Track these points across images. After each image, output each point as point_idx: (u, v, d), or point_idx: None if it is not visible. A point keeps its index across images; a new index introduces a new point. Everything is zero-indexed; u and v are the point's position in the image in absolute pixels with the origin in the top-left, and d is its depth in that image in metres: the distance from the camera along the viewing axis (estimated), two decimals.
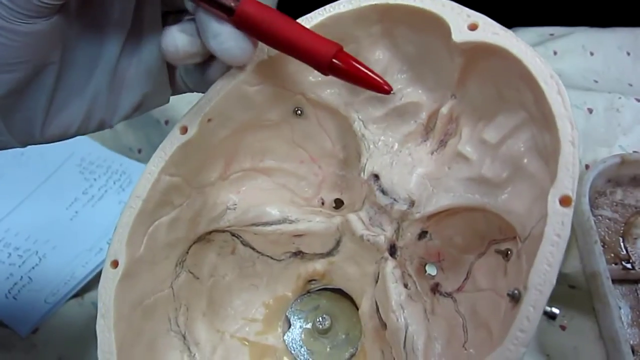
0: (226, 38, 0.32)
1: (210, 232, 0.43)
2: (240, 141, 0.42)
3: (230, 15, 0.32)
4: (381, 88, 0.33)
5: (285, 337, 0.44)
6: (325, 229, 0.42)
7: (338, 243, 0.43)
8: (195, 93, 0.39)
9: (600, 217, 0.59)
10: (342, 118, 0.42)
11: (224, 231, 0.44)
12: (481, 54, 0.35)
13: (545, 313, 0.29)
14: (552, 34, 0.73)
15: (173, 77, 0.38)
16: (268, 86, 0.39)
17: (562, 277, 0.53)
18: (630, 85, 0.68)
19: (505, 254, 0.35)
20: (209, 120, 0.38)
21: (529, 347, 0.50)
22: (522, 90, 0.34)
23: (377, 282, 0.41)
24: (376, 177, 0.40)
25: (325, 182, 0.45)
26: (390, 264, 0.40)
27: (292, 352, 0.43)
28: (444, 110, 0.39)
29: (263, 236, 0.43)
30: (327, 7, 0.38)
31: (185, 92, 0.40)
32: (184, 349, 0.40)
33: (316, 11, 0.38)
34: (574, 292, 0.54)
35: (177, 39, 0.33)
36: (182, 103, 0.65)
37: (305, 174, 0.45)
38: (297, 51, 0.33)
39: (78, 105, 0.34)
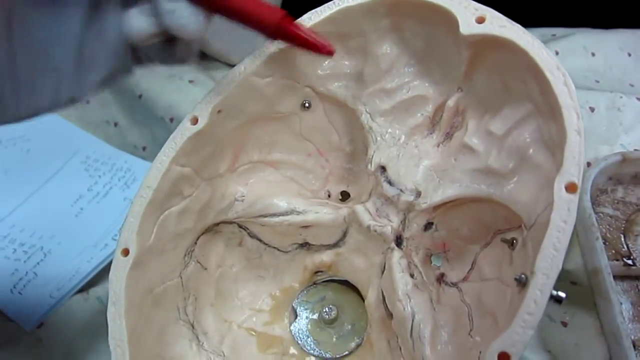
0: (180, 14, 0.33)
1: (218, 224, 0.44)
2: (248, 133, 0.42)
3: None
4: (324, 49, 0.36)
5: (291, 328, 0.44)
6: (332, 220, 0.43)
7: (345, 234, 0.43)
8: (201, 89, 0.39)
9: (601, 215, 0.59)
10: (350, 111, 0.42)
11: (231, 222, 0.44)
12: (488, 47, 0.36)
13: (552, 297, 0.29)
14: (554, 35, 0.74)
15: (137, 53, 0.39)
16: (277, 79, 0.40)
17: (563, 274, 0.54)
18: (632, 85, 0.69)
19: (511, 243, 0.36)
20: (219, 111, 0.38)
21: (530, 344, 0.51)
22: (528, 82, 0.35)
23: (383, 272, 0.42)
24: (383, 168, 0.41)
25: (332, 174, 0.46)
26: (396, 254, 0.40)
27: (299, 342, 0.43)
28: (450, 103, 0.40)
29: (270, 227, 0.43)
30: (336, 0, 0.39)
31: (151, 66, 0.40)
32: (192, 337, 0.41)
33: (325, 5, 0.39)
34: (575, 289, 0.55)
35: (137, 21, 0.34)
36: (188, 101, 0.67)
37: (312, 166, 0.46)
38: (247, 19, 0.34)
39: (46, 84, 0.34)
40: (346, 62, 0.42)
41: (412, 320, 0.38)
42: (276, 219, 0.43)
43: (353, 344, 0.43)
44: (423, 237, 0.41)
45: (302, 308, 0.45)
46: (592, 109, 0.62)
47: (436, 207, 0.40)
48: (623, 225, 0.59)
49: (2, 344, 0.55)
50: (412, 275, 0.40)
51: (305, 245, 0.45)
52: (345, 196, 0.46)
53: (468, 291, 0.39)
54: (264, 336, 0.44)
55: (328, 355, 0.43)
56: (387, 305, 0.41)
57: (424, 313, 0.38)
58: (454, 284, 0.40)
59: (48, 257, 0.62)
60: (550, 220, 0.29)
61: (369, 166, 0.41)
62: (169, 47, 0.36)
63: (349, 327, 0.44)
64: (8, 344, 0.55)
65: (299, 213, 0.43)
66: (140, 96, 0.67)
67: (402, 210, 0.41)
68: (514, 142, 0.36)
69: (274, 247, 0.45)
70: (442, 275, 0.40)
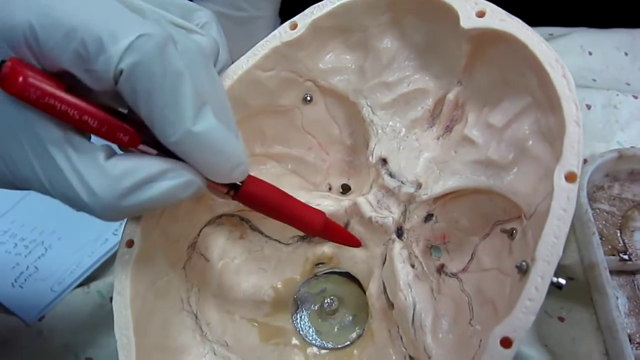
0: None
1: (220, 216, 0.44)
2: (251, 127, 0.43)
3: (235, 192, 0.35)
4: (357, 244, 0.42)
5: (293, 319, 0.45)
6: (334, 212, 0.43)
7: (346, 226, 0.44)
8: None
9: (598, 211, 0.60)
10: (351, 104, 0.43)
11: (233, 215, 0.45)
12: (488, 40, 0.36)
13: (552, 284, 0.30)
14: (551, 34, 0.74)
15: None
16: (280, 71, 0.41)
17: (560, 269, 0.54)
18: (628, 84, 0.70)
19: (510, 233, 0.36)
20: None
21: (527, 339, 0.51)
22: (527, 75, 0.35)
23: (384, 263, 0.42)
24: (384, 161, 0.42)
25: (332, 168, 0.46)
26: (397, 245, 0.41)
27: (301, 332, 0.44)
28: (450, 96, 0.40)
29: (272, 220, 0.44)
30: None
31: None
32: (195, 327, 0.41)
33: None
34: (572, 284, 0.55)
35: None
36: None
37: (313, 160, 0.46)
38: (295, 222, 0.38)
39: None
40: (347, 57, 0.43)
41: (414, 310, 0.38)
42: None
43: (354, 335, 0.44)
44: (423, 229, 0.42)
45: (303, 300, 0.45)
46: (588, 107, 0.63)
47: (436, 199, 0.41)
48: (619, 221, 0.60)
49: (4, 337, 0.55)
50: (412, 266, 0.40)
51: (306, 238, 0.46)
52: (346, 189, 0.46)
53: (468, 281, 0.39)
54: (265, 327, 0.44)
55: (329, 345, 0.43)
56: (388, 296, 0.42)
57: (425, 302, 0.38)
58: (454, 275, 0.40)
59: (49, 251, 0.62)
60: (550, 209, 0.30)
61: (370, 158, 0.42)
62: None
63: (350, 317, 0.44)
64: (9, 337, 0.56)
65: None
66: None
67: (402, 201, 0.41)
68: (513, 134, 0.36)
69: (276, 240, 0.46)
70: (442, 266, 0.41)
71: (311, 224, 0.38)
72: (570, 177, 0.30)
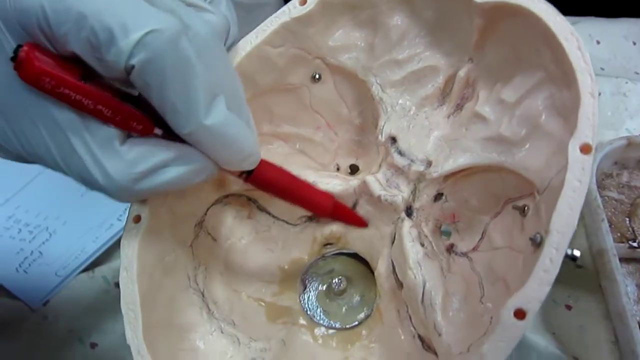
0: None
1: (227, 196, 0.44)
2: (259, 105, 0.43)
3: (248, 176, 0.36)
4: (364, 224, 0.44)
5: (300, 299, 0.44)
6: (342, 191, 0.43)
7: (354, 206, 0.43)
8: None
9: (606, 198, 0.59)
10: (360, 82, 0.42)
11: (240, 195, 0.44)
12: (501, 14, 0.36)
13: (567, 256, 0.29)
14: None
15: None
16: (289, 48, 0.40)
17: (567, 257, 0.54)
18: (637, 73, 0.69)
19: (522, 210, 0.36)
20: None
21: (534, 327, 0.51)
22: (541, 49, 0.35)
23: (393, 242, 0.42)
24: (393, 139, 0.41)
25: (341, 148, 0.46)
26: (407, 224, 0.40)
27: (308, 312, 0.43)
28: (461, 73, 0.40)
29: (280, 200, 0.43)
30: None
31: None
32: (202, 305, 0.41)
33: None
34: (580, 272, 0.55)
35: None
36: None
37: (321, 140, 0.46)
38: (305, 204, 0.40)
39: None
40: (357, 34, 0.42)
41: (423, 288, 0.38)
42: None
43: (362, 315, 0.43)
44: (433, 208, 0.41)
45: (311, 280, 0.45)
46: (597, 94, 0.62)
47: (446, 178, 0.40)
48: (628, 209, 0.60)
49: (8, 322, 0.55)
50: (422, 245, 0.40)
51: (314, 219, 0.45)
52: (354, 169, 0.46)
53: (478, 260, 0.39)
54: (273, 306, 0.44)
55: (337, 326, 0.43)
56: (397, 275, 0.41)
57: (435, 280, 0.38)
58: (464, 254, 0.40)
59: (53, 236, 0.62)
60: (565, 181, 0.30)
61: (380, 137, 0.41)
62: None
63: (358, 298, 0.44)
64: (14, 322, 0.55)
65: (305, 181, 0.43)
66: None
67: (412, 180, 0.41)
68: (525, 110, 0.36)
69: (283, 220, 0.45)
70: (452, 245, 0.41)
71: (321, 205, 0.40)
72: (585, 149, 0.30)
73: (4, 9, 0.27)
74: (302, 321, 0.43)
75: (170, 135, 0.31)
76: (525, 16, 0.34)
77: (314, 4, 0.40)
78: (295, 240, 0.45)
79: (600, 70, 0.69)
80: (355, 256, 0.46)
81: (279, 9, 0.61)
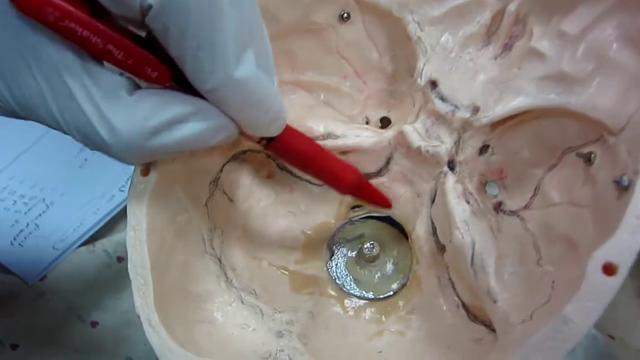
0: None
1: (244, 152, 0.39)
2: (281, 48, 0.38)
3: (268, 142, 0.32)
4: (388, 204, 0.39)
5: (328, 266, 0.40)
6: (375, 144, 0.38)
7: (388, 161, 0.39)
8: None
9: None
10: (395, 21, 0.38)
11: (259, 151, 0.40)
12: None
13: None
14: None
15: None
16: None
17: None
18: None
19: (588, 158, 0.31)
20: None
21: None
22: None
23: (433, 201, 0.37)
24: (434, 84, 0.36)
25: (370, 99, 0.41)
26: (451, 178, 0.36)
27: (337, 281, 0.39)
28: (511, 7, 0.35)
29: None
30: None
31: None
32: (220, 273, 0.36)
33: None
34: None
35: None
36: None
37: (348, 90, 0.41)
38: (325, 176, 0.35)
39: None
40: None
41: (473, 249, 0.33)
42: None
43: (396, 284, 0.39)
44: (477, 162, 0.37)
45: (338, 246, 0.41)
46: None
47: (493, 127, 0.36)
48: None
49: (3, 298, 0.52)
50: (467, 202, 0.35)
51: None
52: (385, 123, 0.41)
53: (531, 219, 0.34)
54: (297, 275, 0.39)
55: (370, 296, 0.39)
56: (438, 238, 0.37)
57: (485, 241, 0.34)
58: (514, 212, 0.35)
59: (50, 208, 0.59)
60: None
61: (419, 80, 0.37)
62: None
63: (392, 266, 0.40)
64: (9, 298, 0.53)
65: (337, 137, 0.38)
66: None
67: (456, 129, 0.36)
68: (592, 42, 0.31)
69: (306, 180, 0.41)
70: (500, 203, 0.36)
71: (345, 179, 0.35)
72: None
73: None
74: (330, 291, 0.39)
75: (188, 91, 0.27)
76: None
77: None
78: (320, 202, 0.41)
79: None
80: (386, 219, 0.41)
81: None
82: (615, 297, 0.49)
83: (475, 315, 0.35)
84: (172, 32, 0.24)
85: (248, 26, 0.27)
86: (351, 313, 0.38)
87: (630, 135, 0.27)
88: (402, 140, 0.37)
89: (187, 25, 0.24)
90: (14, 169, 0.62)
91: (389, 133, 0.38)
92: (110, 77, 0.26)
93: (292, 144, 0.32)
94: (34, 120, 0.27)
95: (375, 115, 0.41)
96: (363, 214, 0.41)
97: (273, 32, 0.35)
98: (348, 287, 0.39)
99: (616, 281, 0.24)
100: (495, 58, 0.37)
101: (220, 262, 0.37)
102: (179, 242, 0.34)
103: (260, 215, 0.40)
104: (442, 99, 0.36)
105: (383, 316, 0.38)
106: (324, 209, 0.41)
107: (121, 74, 0.26)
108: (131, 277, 0.30)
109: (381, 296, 0.39)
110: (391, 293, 0.39)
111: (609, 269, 0.24)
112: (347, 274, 0.39)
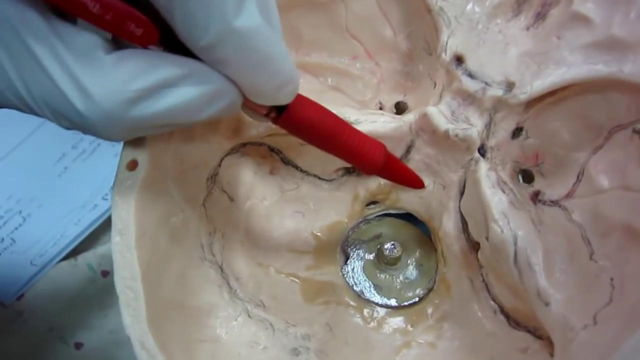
0: None
1: (244, 145, 0.35)
2: (284, 24, 0.33)
3: (278, 115, 0.27)
4: (419, 184, 0.33)
5: (343, 271, 0.35)
6: (394, 130, 0.33)
7: (409, 149, 0.34)
8: None
9: None
10: None
11: (260, 144, 0.35)
12: None
13: None
14: None
15: None
16: None
17: None
18: None
19: None
20: None
21: None
22: None
23: (462, 193, 0.33)
24: (459, 59, 0.32)
25: (384, 82, 0.37)
26: (483, 166, 0.31)
27: (355, 288, 0.35)
28: None
29: (309, 150, 0.34)
30: None
31: None
32: (222, 283, 0.32)
33: None
34: None
35: None
36: None
37: (359, 72, 0.37)
38: (350, 154, 0.30)
39: None
40: None
41: (515, 245, 0.29)
42: None
43: (422, 289, 0.34)
44: (510, 147, 0.33)
45: (353, 248, 0.36)
46: None
47: (528, 106, 0.32)
48: None
49: None
50: (503, 192, 0.31)
51: (353, 171, 0.36)
52: (401, 109, 0.37)
53: (576, 209, 0.30)
54: (309, 282, 0.35)
55: (393, 303, 0.34)
56: (469, 235, 0.33)
57: (528, 235, 0.29)
58: (555, 202, 0.31)
59: (28, 221, 0.56)
60: None
61: (443, 55, 0.32)
62: None
63: (415, 268, 0.35)
64: None
65: (350, 124, 0.34)
66: None
67: (487, 110, 0.32)
68: None
69: (314, 175, 0.37)
70: (537, 193, 0.32)
71: (372, 157, 0.30)
72: None
73: None
74: (348, 299, 0.34)
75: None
76: None
77: None
78: (330, 200, 0.37)
79: None
80: (405, 217, 0.37)
81: None
82: None
83: (518, 321, 0.31)
84: None
85: None
86: (373, 324, 0.34)
87: None
88: (425, 125, 0.33)
89: None
90: None
91: (409, 117, 0.34)
92: (84, 37, 0.21)
93: (307, 114, 0.27)
94: None
95: (390, 100, 0.37)
96: (379, 211, 0.37)
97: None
98: (367, 294, 0.35)
99: None
100: (527, 29, 0.33)
101: (221, 270, 0.32)
102: (174, 248, 0.29)
103: (264, 215, 0.36)
104: (471, 75, 0.32)
105: (409, 325, 0.33)
106: (336, 207, 0.37)
107: (98, 33, 0.21)
108: (118, 290, 0.25)
109: (405, 303, 0.34)
110: (416, 299, 0.34)
111: None
112: (365, 279, 0.35)
